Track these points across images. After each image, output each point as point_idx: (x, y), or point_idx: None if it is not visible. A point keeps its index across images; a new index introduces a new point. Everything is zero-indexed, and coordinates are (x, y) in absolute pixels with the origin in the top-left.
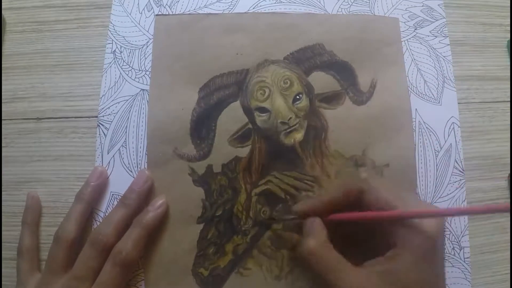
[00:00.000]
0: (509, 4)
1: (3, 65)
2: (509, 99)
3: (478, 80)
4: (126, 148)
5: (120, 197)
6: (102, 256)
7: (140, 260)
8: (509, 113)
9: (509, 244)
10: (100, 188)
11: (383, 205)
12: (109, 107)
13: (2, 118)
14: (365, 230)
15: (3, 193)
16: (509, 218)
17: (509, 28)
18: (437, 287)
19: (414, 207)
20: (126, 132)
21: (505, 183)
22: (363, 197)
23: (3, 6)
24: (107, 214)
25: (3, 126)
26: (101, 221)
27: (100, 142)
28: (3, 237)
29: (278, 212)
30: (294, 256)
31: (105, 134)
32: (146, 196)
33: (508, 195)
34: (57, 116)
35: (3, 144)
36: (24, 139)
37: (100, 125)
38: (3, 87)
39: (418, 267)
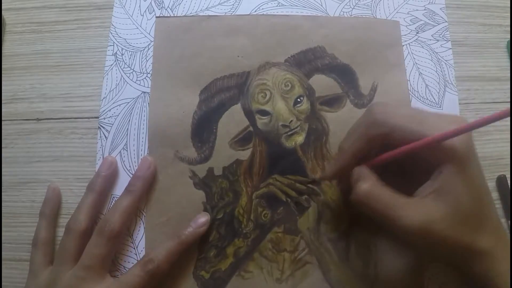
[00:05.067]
0: (509, 5)
1: (3, 66)
2: (509, 100)
3: (478, 81)
4: (127, 151)
5: None
6: (109, 244)
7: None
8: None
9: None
10: (111, 178)
11: (411, 138)
12: (110, 110)
13: (2, 118)
14: (404, 166)
15: (2, 194)
16: (508, 218)
17: (509, 28)
18: (485, 192)
19: (439, 126)
20: (127, 134)
21: None
22: (387, 138)
23: (3, 7)
24: (114, 203)
25: (3, 126)
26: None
27: (101, 145)
28: (3, 237)
29: (280, 214)
30: (353, 202)
31: (106, 136)
32: (150, 181)
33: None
34: (57, 116)
35: (3, 145)
36: (24, 140)
37: (101, 127)
38: (3, 87)
39: (461, 177)
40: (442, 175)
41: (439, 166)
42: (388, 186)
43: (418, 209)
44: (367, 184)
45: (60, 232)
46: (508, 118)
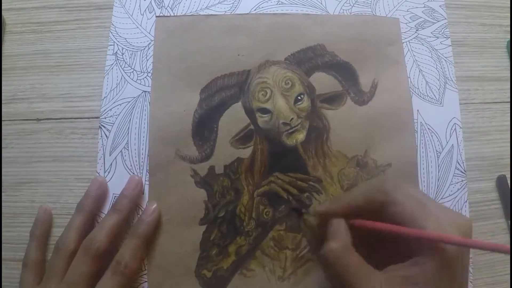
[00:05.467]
0: (509, 5)
1: (3, 66)
2: (509, 100)
3: (478, 81)
4: (128, 150)
5: None
6: (94, 262)
7: (142, 264)
8: (509, 114)
9: (509, 244)
10: (100, 198)
11: (408, 220)
12: (111, 109)
13: (2, 118)
14: (388, 236)
15: (2, 194)
16: (508, 218)
17: (509, 28)
18: None
19: (440, 223)
20: (128, 134)
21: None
22: (386, 207)
23: (3, 7)
24: (99, 221)
25: (2, 127)
26: None
27: (102, 144)
28: (3, 238)
29: (281, 212)
30: (320, 257)
31: (107, 136)
32: (137, 201)
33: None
34: (56, 117)
35: (2, 145)
36: (24, 140)
37: (102, 127)
38: (3, 88)
39: (439, 276)
40: (419, 265)
41: (420, 256)
42: (358, 251)
43: (379, 285)
44: (337, 244)
45: (61, 233)
46: (509, 114)
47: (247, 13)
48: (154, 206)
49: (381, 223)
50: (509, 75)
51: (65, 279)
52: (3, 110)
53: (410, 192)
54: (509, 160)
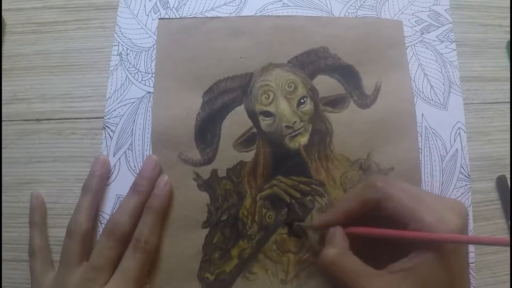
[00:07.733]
0: (509, 5)
1: (3, 66)
2: (509, 100)
3: (478, 81)
4: (132, 150)
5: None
6: (119, 245)
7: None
8: (509, 114)
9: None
10: (105, 177)
11: (405, 214)
12: (115, 110)
13: (2, 119)
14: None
15: (2, 194)
16: (508, 219)
17: (509, 29)
18: (460, 284)
19: (438, 213)
20: (132, 134)
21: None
22: (382, 204)
23: (3, 7)
24: (120, 203)
25: (3, 127)
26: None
27: (106, 145)
28: (3, 238)
29: (284, 216)
30: (318, 265)
31: (111, 136)
32: (156, 180)
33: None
34: (56, 117)
35: (2, 145)
36: (24, 140)
37: (106, 127)
38: (3, 88)
39: (440, 264)
40: (419, 257)
41: (420, 249)
42: (357, 254)
43: (383, 284)
44: (334, 250)
45: (50, 240)
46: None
47: (250, 16)
48: (165, 179)
49: (374, 229)
50: (509, 75)
51: (90, 263)
52: (3, 110)
53: (403, 186)
54: (509, 160)
